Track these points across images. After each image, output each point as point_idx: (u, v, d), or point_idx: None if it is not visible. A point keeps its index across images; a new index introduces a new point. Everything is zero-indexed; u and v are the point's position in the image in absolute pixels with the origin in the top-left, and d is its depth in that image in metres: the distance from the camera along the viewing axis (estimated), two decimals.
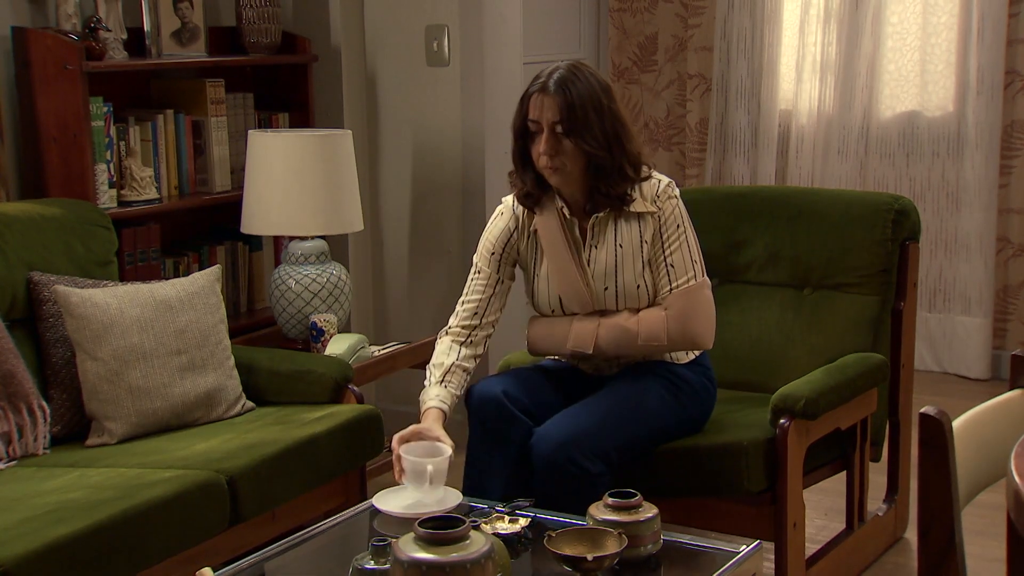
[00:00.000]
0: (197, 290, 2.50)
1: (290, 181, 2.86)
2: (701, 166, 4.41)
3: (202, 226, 3.17)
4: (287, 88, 3.31)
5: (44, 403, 2.28)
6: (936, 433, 1.20)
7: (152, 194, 2.86)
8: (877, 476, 2.74)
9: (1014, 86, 3.79)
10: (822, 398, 2.35)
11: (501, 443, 2.19)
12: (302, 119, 3.30)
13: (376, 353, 2.98)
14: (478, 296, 2.33)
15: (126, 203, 2.81)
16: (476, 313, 2.32)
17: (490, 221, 2.35)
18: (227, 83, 3.12)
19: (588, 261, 2.27)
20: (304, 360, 2.65)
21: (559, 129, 2.17)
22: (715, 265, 2.85)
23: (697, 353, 2.37)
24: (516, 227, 2.31)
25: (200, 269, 3.05)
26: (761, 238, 2.81)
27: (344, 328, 3.14)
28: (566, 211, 2.26)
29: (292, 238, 2.98)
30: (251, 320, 3.17)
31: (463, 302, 2.35)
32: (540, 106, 2.18)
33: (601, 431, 2.18)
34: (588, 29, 4.51)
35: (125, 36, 2.87)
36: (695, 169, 4.43)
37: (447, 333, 2.34)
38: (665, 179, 2.29)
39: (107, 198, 2.75)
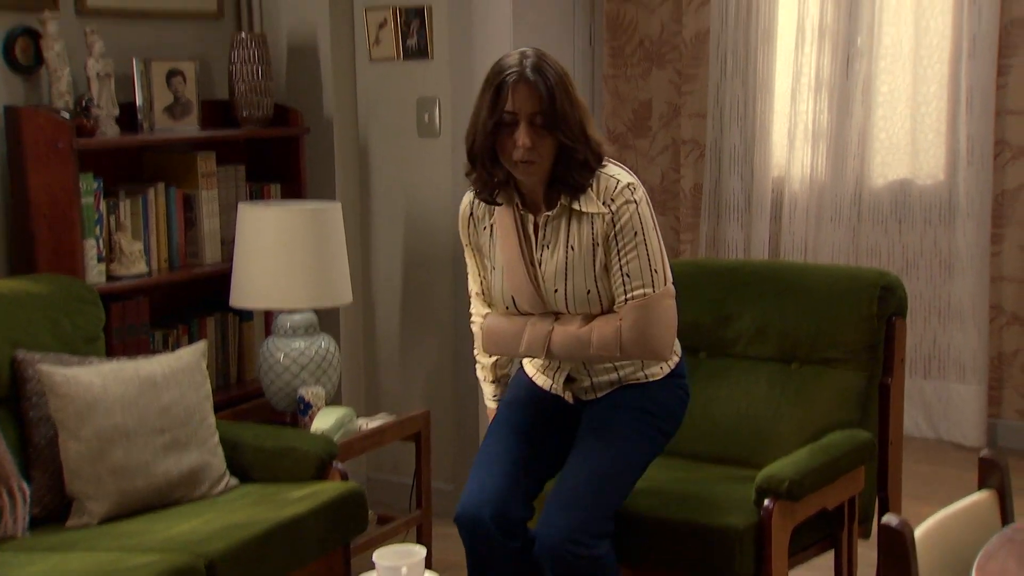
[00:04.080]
0: (183, 366, 2.51)
1: (279, 254, 2.87)
2: (696, 231, 4.42)
3: (192, 298, 3.18)
4: (279, 159, 3.34)
5: (24, 484, 2.28)
6: (898, 544, 1.19)
7: (141, 268, 2.88)
8: (868, 551, 2.71)
9: (1003, 156, 3.81)
10: (807, 479, 2.33)
11: (497, 563, 2.18)
12: (294, 190, 3.32)
13: (364, 426, 2.97)
14: (480, 281, 2.33)
15: (115, 277, 2.82)
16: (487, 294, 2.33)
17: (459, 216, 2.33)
18: (219, 155, 3.15)
19: (540, 261, 2.18)
20: (289, 437, 2.64)
21: (538, 120, 2.07)
22: (703, 338, 2.85)
23: (673, 365, 2.30)
24: (475, 223, 2.26)
25: (189, 341, 3.06)
26: (749, 312, 2.81)
27: (333, 400, 3.14)
28: (520, 206, 2.18)
29: (282, 310, 2.99)
30: (241, 391, 3.17)
31: (473, 293, 2.36)
32: (519, 96, 2.06)
33: (596, 509, 2.14)
34: (582, 96, 4.54)
35: (117, 112, 2.90)
36: (689, 234, 4.45)
37: (474, 324, 2.38)
38: (625, 179, 2.16)
39: (96, 273, 2.76)
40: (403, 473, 3.39)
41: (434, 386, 3.48)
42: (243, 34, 3.24)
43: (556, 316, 2.20)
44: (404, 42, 3.39)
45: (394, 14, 3.37)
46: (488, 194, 2.19)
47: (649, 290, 2.15)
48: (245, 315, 3.25)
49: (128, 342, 2.83)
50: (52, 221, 2.70)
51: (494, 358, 2.39)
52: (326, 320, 3.31)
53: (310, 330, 2.99)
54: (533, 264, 2.18)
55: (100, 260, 2.78)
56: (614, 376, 2.28)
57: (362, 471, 3.55)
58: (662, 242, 2.20)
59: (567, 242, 2.15)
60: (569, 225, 2.15)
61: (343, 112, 3.45)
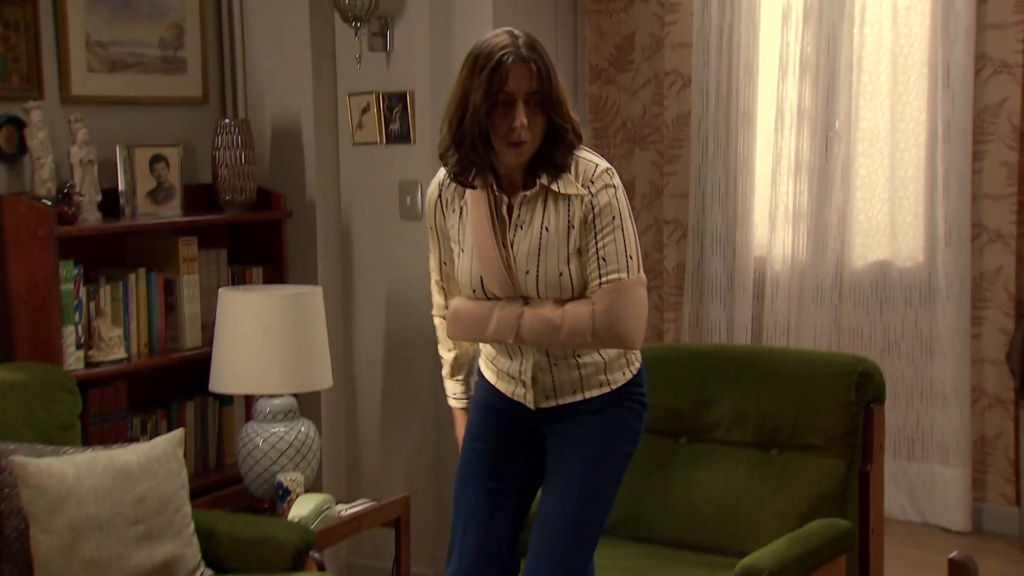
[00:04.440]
0: (158, 455, 2.49)
1: (259, 339, 2.87)
2: (679, 310, 4.43)
3: (172, 382, 3.17)
4: (261, 242, 3.36)
5: None
6: None
7: (120, 354, 2.87)
8: None
9: (981, 239, 3.85)
10: (786, 569, 2.32)
11: None
12: (276, 273, 3.34)
13: (343, 513, 2.94)
14: (440, 268, 2.31)
15: (93, 364, 2.82)
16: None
17: (426, 199, 2.30)
18: (202, 238, 3.17)
19: (512, 242, 2.14)
20: (266, 526, 2.61)
21: (533, 100, 2.04)
22: (684, 423, 2.85)
23: (634, 371, 2.25)
24: (443, 206, 2.22)
25: (169, 426, 3.04)
26: (728, 397, 2.81)
27: (314, 485, 3.12)
28: (495, 187, 2.14)
29: (261, 395, 2.98)
30: (220, 476, 3.14)
31: (432, 281, 2.34)
32: (516, 76, 2.03)
33: (575, 560, 2.14)
34: None
35: (100, 198, 2.93)
36: (673, 313, 4.46)
37: (436, 316, 2.38)
38: (603, 164, 2.14)
39: (74, 359, 2.76)
40: (384, 558, 3.34)
41: (415, 469, 3.46)
42: (227, 120, 3.28)
43: (525, 301, 2.15)
44: (387, 126, 3.43)
45: (377, 99, 3.42)
46: (466, 177, 2.14)
47: (624, 275, 2.11)
48: (225, 399, 3.23)
49: (105, 429, 2.81)
50: (31, 308, 2.70)
51: (454, 352, 2.38)
52: (307, 404, 3.30)
53: (290, 415, 2.98)
54: (505, 246, 2.14)
55: (79, 347, 2.78)
56: (576, 375, 2.20)
57: (342, 557, 3.50)
58: (636, 231, 2.18)
59: (542, 223, 2.12)
60: (545, 206, 2.12)
61: (326, 195, 3.48)
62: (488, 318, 2.15)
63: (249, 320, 2.88)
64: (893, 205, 4.01)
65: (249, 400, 3.25)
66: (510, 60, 2.03)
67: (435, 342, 3.41)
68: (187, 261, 3.08)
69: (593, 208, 2.10)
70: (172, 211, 3.13)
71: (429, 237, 2.29)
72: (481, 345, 2.32)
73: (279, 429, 2.94)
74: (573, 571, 2.14)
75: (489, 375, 2.32)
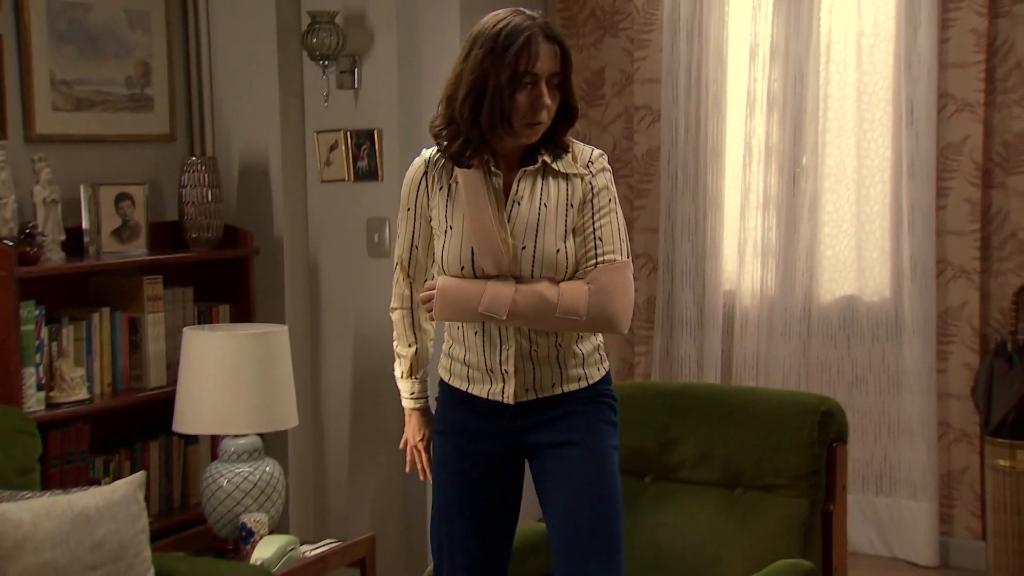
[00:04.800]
0: (119, 499, 2.47)
1: (223, 379, 2.86)
2: (650, 344, 4.45)
3: (137, 420, 3.15)
4: (228, 280, 3.35)
5: None
6: None
7: (82, 394, 2.85)
8: None
9: (945, 274, 3.88)
10: None
11: None
12: (243, 310, 3.33)
13: (308, 554, 2.92)
14: (410, 250, 2.22)
15: (54, 405, 2.80)
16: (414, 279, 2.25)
17: (404, 181, 2.21)
18: (168, 276, 3.16)
19: (509, 217, 2.11)
20: (227, 569, 2.60)
21: (554, 81, 2.05)
22: (649, 462, 2.85)
23: (606, 368, 2.25)
24: (428, 181, 2.16)
25: (132, 467, 3.02)
26: (693, 436, 2.81)
27: (280, 525, 3.10)
28: (492, 164, 2.11)
29: (226, 435, 2.96)
30: (184, 517, 3.12)
31: (397, 265, 2.27)
32: (543, 56, 2.03)
33: (607, 557, 2.13)
34: None
35: (63, 237, 2.92)
36: (643, 347, 4.47)
37: (394, 311, 2.33)
38: (597, 149, 2.18)
39: (34, 401, 2.74)
40: None
41: (383, 507, 3.44)
42: (194, 157, 3.28)
43: (517, 280, 2.11)
44: (355, 164, 3.44)
45: (345, 137, 3.43)
46: (464, 156, 2.09)
47: (618, 256, 2.12)
48: (190, 438, 3.22)
49: (66, 471, 2.79)
50: None
51: (414, 348, 2.31)
52: (274, 442, 3.29)
53: (255, 454, 2.97)
54: (501, 220, 2.10)
55: (39, 388, 2.76)
56: (556, 366, 2.17)
57: None
58: None
59: (541, 199, 2.10)
60: (545, 182, 2.11)
61: (294, 232, 3.48)
62: (479, 294, 2.09)
63: (213, 360, 2.87)
64: (860, 240, 4.05)
65: (215, 440, 3.23)
66: (537, 39, 2.04)
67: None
68: (152, 300, 3.07)
69: (592, 188, 2.11)
70: (137, 249, 3.12)
71: (403, 220, 2.22)
72: (446, 347, 2.25)
73: (244, 469, 2.92)
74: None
75: (458, 381, 2.23)
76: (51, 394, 2.80)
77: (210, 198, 3.25)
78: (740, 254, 4.27)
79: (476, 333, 2.17)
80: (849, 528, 3.97)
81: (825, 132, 4.09)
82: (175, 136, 3.42)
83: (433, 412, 2.36)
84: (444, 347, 2.27)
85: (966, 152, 3.83)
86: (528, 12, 2.10)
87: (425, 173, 2.17)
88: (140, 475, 2.57)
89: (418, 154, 2.21)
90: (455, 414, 2.24)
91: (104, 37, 3.18)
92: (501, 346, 2.15)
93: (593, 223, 2.11)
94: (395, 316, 2.34)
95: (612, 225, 2.13)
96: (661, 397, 2.92)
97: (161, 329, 3.10)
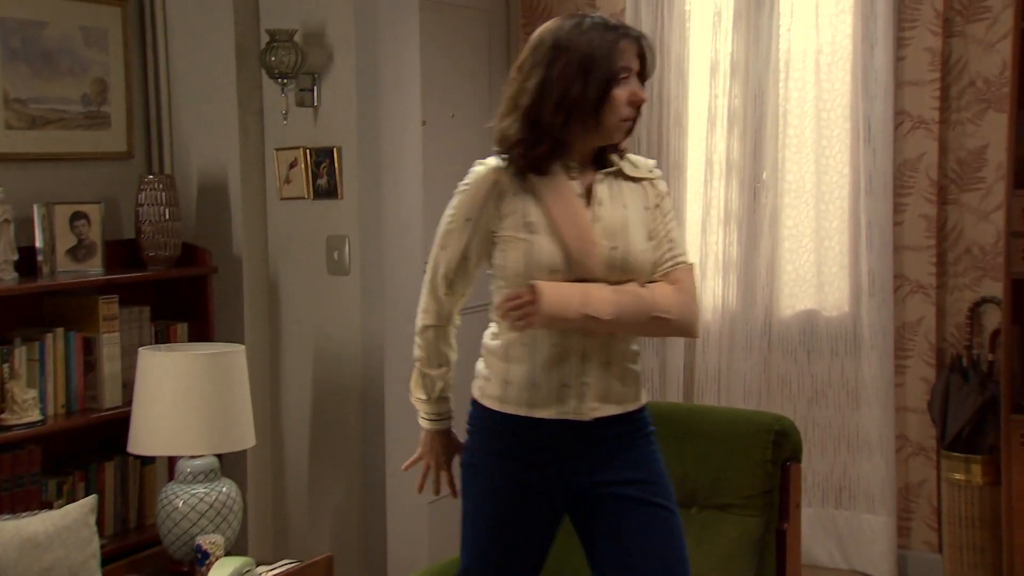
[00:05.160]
0: (69, 523, 2.45)
1: (179, 400, 2.84)
2: None
3: (91, 441, 3.13)
4: (187, 299, 3.34)
5: None
6: None
7: (34, 416, 2.83)
8: None
9: (903, 289, 3.92)
10: None
11: None
12: (201, 329, 3.31)
13: (264, 575, 2.90)
14: (455, 266, 2.12)
15: (6, 427, 2.77)
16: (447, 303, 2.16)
17: (462, 191, 2.11)
18: (124, 295, 3.14)
19: (593, 218, 2.07)
20: None
21: (639, 79, 2.07)
22: None
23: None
24: (499, 192, 2.07)
25: (86, 488, 2.99)
26: None
27: (237, 547, 3.08)
28: (575, 170, 2.09)
29: (181, 456, 2.94)
30: (140, 538, 3.10)
31: (438, 280, 2.16)
32: (633, 53, 2.04)
33: None
34: None
35: (16, 257, 2.89)
36: None
37: (431, 326, 2.21)
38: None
39: None
40: None
41: (342, 527, 3.43)
42: (151, 175, 3.26)
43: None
44: (314, 182, 3.44)
45: (304, 154, 3.43)
46: (545, 161, 2.05)
47: (687, 259, 2.14)
48: (147, 459, 3.19)
49: (17, 494, 2.76)
50: None
51: (444, 368, 2.22)
52: (233, 462, 3.27)
53: (211, 475, 2.95)
54: (590, 225, 2.07)
55: None
56: (626, 378, 2.13)
57: None
58: None
59: (621, 201, 2.09)
60: (620, 186, 2.10)
61: (253, 250, 3.47)
62: (579, 296, 2.01)
63: (169, 381, 2.85)
64: (819, 256, 4.08)
65: (172, 459, 3.21)
66: (629, 35, 2.06)
67: (362, 398, 3.43)
68: (107, 320, 3.05)
69: (659, 193, 2.14)
70: (93, 268, 3.10)
71: (455, 231, 2.10)
72: (499, 370, 2.12)
73: (200, 490, 2.91)
74: None
75: (515, 406, 2.10)
76: (2, 416, 2.78)
77: (167, 216, 3.24)
78: (702, 269, 4.29)
79: (553, 345, 2.07)
80: (809, 541, 4.01)
81: (785, 148, 4.13)
82: (133, 154, 3.40)
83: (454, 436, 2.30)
84: (492, 372, 2.14)
85: (922, 169, 3.88)
86: (595, 12, 2.14)
87: (496, 181, 2.08)
88: (91, 499, 2.55)
89: (473, 165, 2.13)
90: (504, 445, 2.14)
91: (59, 55, 3.16)
92: (582, 357, 2.07)
93: (664, 227, 2.12)
94: (428, 335, 2.23)
95: (678, 228, 2.18)
96: None
97: (117, 349, 3.08)
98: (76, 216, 3.09)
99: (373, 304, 3.40)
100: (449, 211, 2.13)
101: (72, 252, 3.08)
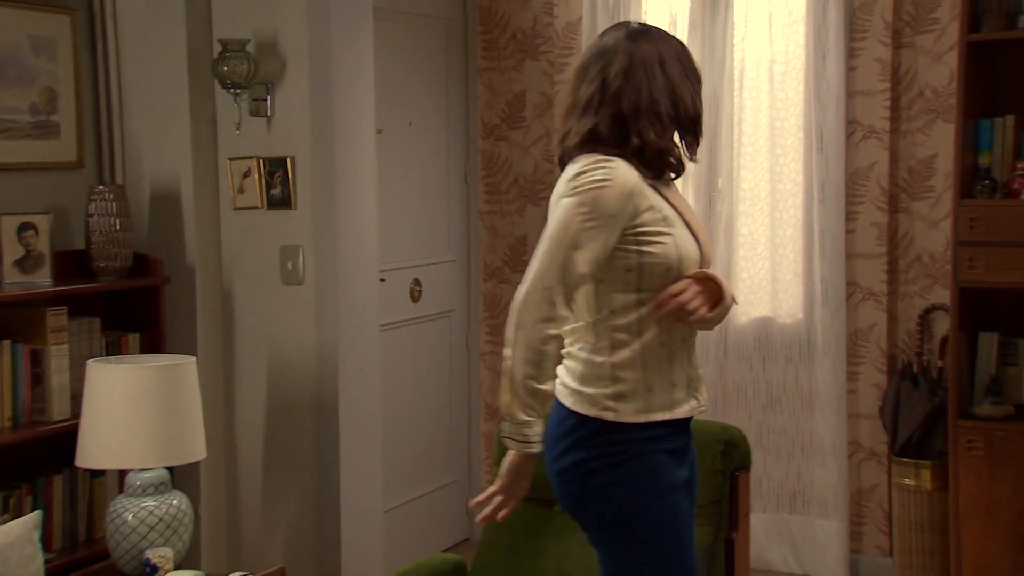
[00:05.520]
0: (12, 541, 2.42)
1: (128, 412, 2.82)
2: None
3: (39, 455, 3.10)
4: (138, 309, 3.31)
5: None
6: None
7: None
8: None
9: (855, 297, 3.97)
10: None
11: None
12: (153, 340, 3.29)
13: None
14: (591, 264, 1.98)
15: None
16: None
17: (602, 187, 1.98)
18: (74, 306, 3.11)
19: None
20: None
21: None
22: None
23: None
24: (641, 188, 2.01)
25: (34, 502, 2.97)
26: None
27: (191, 558, 3.07)
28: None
29: (131, 469, 2.92)
30: (89, 552, 3.07)
31: (575, 280, 1.98)
32: None
33: None
34: (458, 235, 4.63)
35: None
36: None
37: (556, 331, 1.98)
38: None
39: None
40: None
41: (296, 538, 3.42)
42: (101, 185, 3.24)
43: None
44: (268, 191, 3.43)
45: (258, 164, 3.41)
46: (664, 163, 2.07)
47: None
48: (97, 472, 3.17)
49: None
50: None
51: (554, 380, 2.04)
52: (186, 474, 3.25)
53: (162, 488, 2.93)
54: None
55: None
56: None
57: None
58: None
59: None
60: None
61: (206, 260, 3.45)
62: (722, 286, 2.05)
63: (118, 393, 2.83)
64: (774, 263, 4.12)
65: (123, 471, 3.18)
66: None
67: (317, 407, 3.42)
68: (55, 331, 3.02)
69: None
70: (42, 280, 3.07)
71: (600, 229, 1.97)
72: (636, 382, 2.03)
73: (150, 503, 2.88)
74: None
75: (662, 412, 2.05)
76: None
77: (118, 226, 3.21)
78: None
79: (684, 340, 2.07)
80: (763, 546, 4.05)
81: (740, 156, 4.16)
82: (83, 163, 3.37)
83: None
84: (627, 386, 2.03)
85: (873, 178, 3.92)
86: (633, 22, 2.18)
87: (638, 181, 2.02)
88: (35, 515, 2.52)
89: (602, 165, 2.01)
90: (664, 457, 2.08)
91: (6, 63, 3.13)
92: (689, 350, 2.11)
93: None
94: (551, 347, 2.00)
95: None
96: None
97: (65, 361, 3.05)
98: (24, 227, 3.06)
99: (327, 314, 3.39)
100: (582, 209, 1.97)
101: (20, 263, 3.05)
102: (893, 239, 3.93)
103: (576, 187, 2.00)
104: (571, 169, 2.04)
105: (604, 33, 2.18)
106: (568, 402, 2.08)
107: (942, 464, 3.61)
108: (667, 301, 2.01)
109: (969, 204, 3.46)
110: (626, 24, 2.16)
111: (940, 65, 3.80)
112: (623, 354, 2.03)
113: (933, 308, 3.84)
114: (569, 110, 2.12)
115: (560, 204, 2.02)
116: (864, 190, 3.94)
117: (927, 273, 3.88)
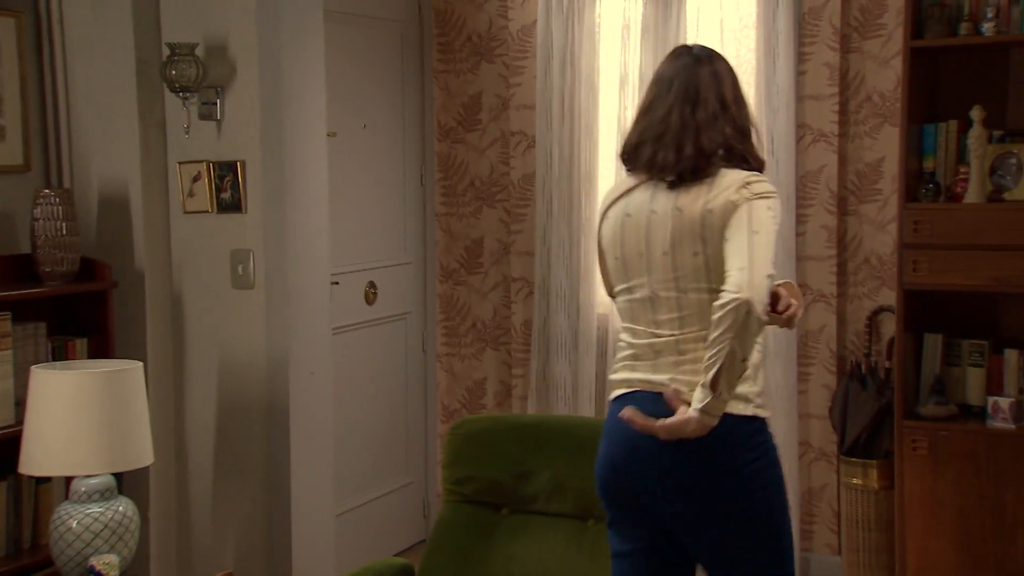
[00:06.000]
0: None
1: (72, 419, 2.80)
2: (526, 366, 4.50)
3: None
4: (85, 314, 3.29)
5: None
6: None
7: None
8: None
9: (805, 299, 4.01)
10: None
11: None
12: (101, 345, 3.27)
13: None
14: None
15: None
16: None
17: (775, 196, 2.28)
18: (19, 311, 3.09)
19: None
20: None
21: None
22: (505, 494, 2.89)
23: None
24: None
25: None
26: (547, 469, 2.86)
27: (140, 565, 3.05)
28: None
29: (75, 476, 2.91)
30: (34, 559, 3.05)
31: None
32: None
33: None
34: (414, 237, 4.63)
35: None
36: (520, 369, 4.52)
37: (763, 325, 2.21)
38: None
39: None
40: None
41: (247, 542, 3.42)
42: (47, 189, 3.21)
43: None
44: (218, 195, 3.42)
45: (208, 168, 3.40)
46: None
47: None
48: (42, 478, 3.15)
49: None
50: None
51: None
52: (135, 480, 3.24)
53: (107, 494, 2.92)
54: None
55: None
56: None
57: None
58: None
59: None
60: None
61: (156, 265, 3.43)
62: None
63: (62, 399, 2.81)
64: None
65: (70, 478, 3.16)
66: None
67: (268, 411, 3.41)
68: None
69: None
70: None
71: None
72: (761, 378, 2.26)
73: (95, 509, 2.87)
74: None
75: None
76: None
77: (64, 231, 3.19)
78: None
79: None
80: None
81: None
82: (30, 167, 3.35)
83: None
84: (763, 384, 2.27)
85: (823, 181, 3.97)
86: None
87: None
88: None
89: (763, 179, 2.27)
90: None
91: None
92: None
93: None
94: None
95: None
96: (516, 430, 2.96)
97: (9, 367, 3.03)
98: None
99: (278, 318, 3.39)
100: (772, 212, 2.21)
101: None
102: (842, 242, 3.98)
103: (761, 193, 2.21)
104: (736, 175, 2.23)
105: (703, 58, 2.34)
106: (748, 409, 2.22)
107: (888, 463, 3.66)
108: (797, 310, 2.30)
109: (914, 208, 3.51)
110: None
111: (887, 70, 3.85)
112: (756, 356, 2.22)
113: (881, 310, 3.89)
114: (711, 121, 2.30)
115: (755, 204, 2.19)
116: (814, 193, 3.99)
117: (875, 275, 3.93)
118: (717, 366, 2.09)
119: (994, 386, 3.50)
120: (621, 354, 2.40)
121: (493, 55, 4.51)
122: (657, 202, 2.27)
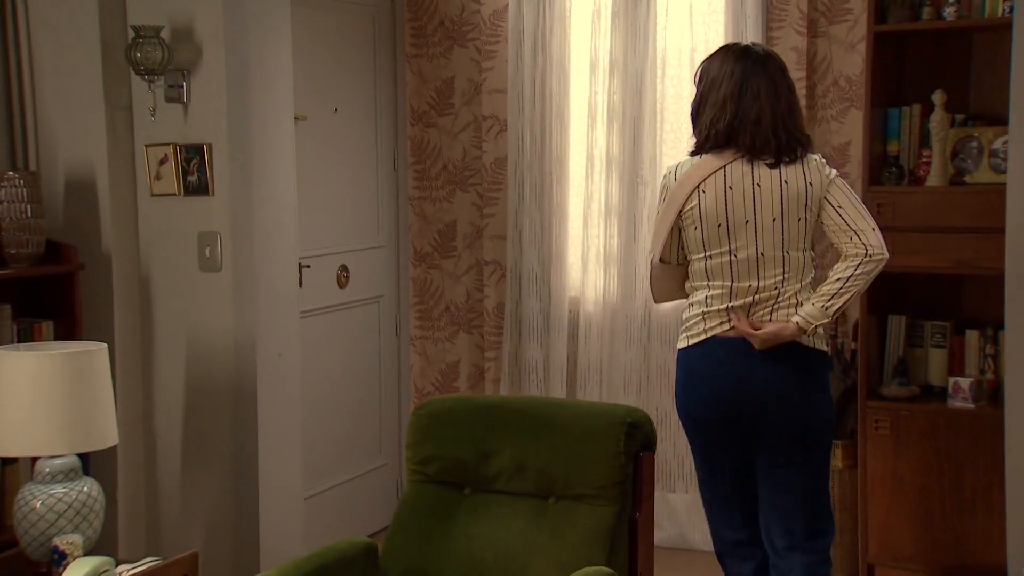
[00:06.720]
0: None
1: (36, 400, 2.82)
2: (499, 349, 4.52)
3: None
4: (51, 296, 3.30)
5: None
6: None
7: None
8: None
9: None
10: None
11: None
12: (67, 327, 3.28)
13: (125, 574, 2.90)
14: None
15: None
16: None
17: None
18: None
19: None
20: None
21: None
22: (467, 474, 2.91)
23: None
24: None
25: None
26: (509, 448, 2.89)
27: (108, 545, 3.07)
28: None
29: (38, 456, 2.92)
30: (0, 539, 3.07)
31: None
32: None
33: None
34: (387, 221, 4.64)
35: None
36: (493, 352, 4.55)
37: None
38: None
39: None
40: None
41: (215, 522, 3.44)
42: (11, 172, 3.22)
43: None
44: (185, 178, 3.42)
45: (175, 151, 3.41)
46: None
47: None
48: (8, 460, 3.16)
49: None
50: None
51: None
52: (102, 461, 3.26)
53: (71, 475, 2.93)
54: None
55: None
56: None
57: None
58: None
59: None
60: None
61: (123, 247, 3.44)
62: None
63: (25, 381, 2.82)
64: None
65: (35, 459, 3.18)
66: None
67: (235, 393, 3.42)
68: None
69: None
70: None
71: None
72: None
73: (59, 490, 2.88)
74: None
75: None
76: None
77: (30, 213, 3.19)
78: (584, 261, 4.37)
79: None
80: (684, 525, 4.13)
81: (662, 143, 4.22)
82: None
83: None
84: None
85: None
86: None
87: None
88: None
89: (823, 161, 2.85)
90: None
91: None
92: None
93: None
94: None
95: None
96: (480, 410, 2.98)
97: None
98: None
99: (245, 300, 3.40)
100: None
101: None
102: None
103: (834, 172, 2.84)
104: (813, 156, 2.84)
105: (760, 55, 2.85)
106: (824, 346, 2.90)
107: (853, 444, 3.69)
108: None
109: (877, 190, 3.54)
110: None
111: (853, 54, 3.87)
112: None
113: None
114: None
115: (837, 180, 2.82)
116: None
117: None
118: (845, 297, 2.73)
119: (956, 366, 3.54)
120: (711, 307, 2.92)
121: (465, 39, 4.52)
122: (761, 177, 2.77)
